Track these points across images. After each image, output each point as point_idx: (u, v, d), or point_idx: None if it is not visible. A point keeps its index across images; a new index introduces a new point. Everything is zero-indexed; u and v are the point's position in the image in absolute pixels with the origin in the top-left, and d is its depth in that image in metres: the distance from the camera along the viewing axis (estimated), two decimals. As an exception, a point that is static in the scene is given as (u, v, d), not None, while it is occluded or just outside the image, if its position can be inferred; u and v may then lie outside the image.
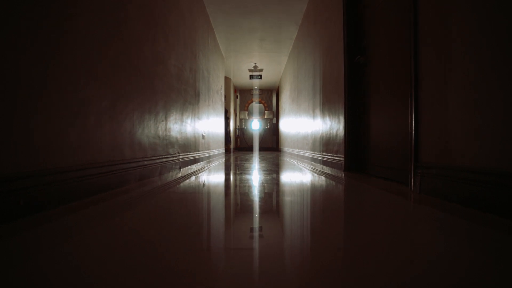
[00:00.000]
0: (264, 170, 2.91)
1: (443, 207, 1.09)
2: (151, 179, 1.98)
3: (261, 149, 10.25)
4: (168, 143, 2.50)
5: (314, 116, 3.82)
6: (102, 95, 1.44)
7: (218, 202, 1.33)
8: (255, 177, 2.34)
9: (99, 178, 1.38)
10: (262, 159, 4.77)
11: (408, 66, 1.48)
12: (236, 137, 10.26)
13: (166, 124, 2.43)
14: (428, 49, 1.32)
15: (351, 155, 2.46)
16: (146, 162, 1.95)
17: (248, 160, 4.64)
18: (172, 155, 2.58)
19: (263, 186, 1.84)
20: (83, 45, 1.28)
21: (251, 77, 8.60)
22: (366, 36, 2.27)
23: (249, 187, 1.79)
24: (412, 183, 1.42)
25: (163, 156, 2.36)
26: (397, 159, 1.79)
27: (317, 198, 1.40)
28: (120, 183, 1.59)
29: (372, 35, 2.18)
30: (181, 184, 1.81)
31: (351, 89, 2.46)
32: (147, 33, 2.02)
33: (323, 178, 2.17)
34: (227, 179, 2.17)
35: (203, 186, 1.77)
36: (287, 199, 1.39)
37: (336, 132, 2.79)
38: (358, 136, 2.43)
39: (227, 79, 8.58)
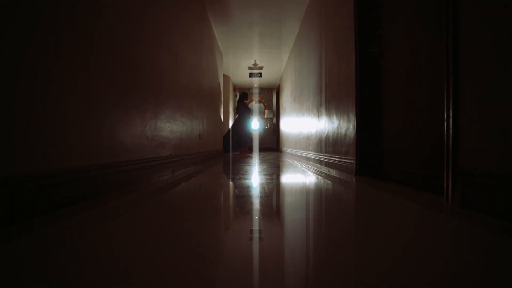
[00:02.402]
0: (266, 174, 2.64)
1: (506, 231, 0.83)
2: (137, 185, 1.72)
3: (261, 149, 9.98)
4: (159, 144, 2.24)
5: (318, 115, 3.56)
6: (68, 85, 1.18)
7: (215, 215, 1.07)
8: (258, 182, 2.08)
9: (59, 189, 1.11)
10: (262, 161, 4.51)
11: (442, 42, 1.22)
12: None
13: (156, 122, 2.16)
14: (474, 10, 1.06)
15: (364, 157, 2.20)
16: (130, 167, 1.69)
17: (248, 161, 4.38)
18: (163, 158, 2.32)
19: (266, 194, 1.58)
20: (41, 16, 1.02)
21: (251, 75, 8.34)
22: (382, 23, 2.01)
23: (250, 196, 1.53)
24: (450, 194, 1.16)
25: (153, 159, 2.09)
26: (424, 162, 1.53)
27: (329, 211, 1.14)
28: (95, 193, 1.33)
29: (389, 21, 1.92)
30: (171, 192, 1.54)
31: (364, 83, 2.20)
32: (130, 18, 1.76)
33: (333, 184, 1.91)
34: (226, 185, 1.91)
35: (197, 194, 1.51)
36: (295, 215, 1.13)
37: (345, 131, 2.53)
38: (372, 135, 2.17)
39: (226, 77, 8.32)
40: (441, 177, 1.34)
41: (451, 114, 1.15)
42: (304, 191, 1.66)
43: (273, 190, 1.75)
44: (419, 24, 1.58)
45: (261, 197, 1.48)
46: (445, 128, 1.19)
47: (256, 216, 1.06)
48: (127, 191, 1.52)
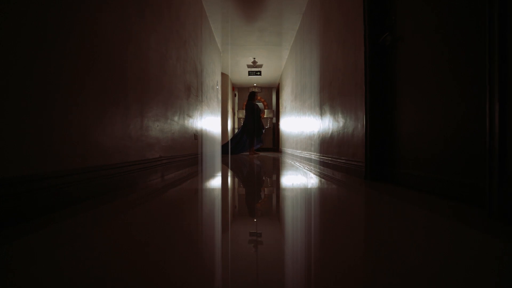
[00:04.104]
0: (268, 177, 2.42)
1: None
2: (115, 193, 1.48)
3: (261, 149, 9.74)
4: (145, 145, 2.00)
5: (321, 113, 3.33)
6: (23, 72, 0.94)
7: (211, 234, 0.84)
8: (259, 189, 1.85)
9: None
10: (263, 162, 4.28)
11: (485, 18, 0.99)
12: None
13: (142, 121, 1.93)
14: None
15: (375, 160, 1.96)
16: (106, 172, 1.45)
17: (248, 163, 4.15)
18: (151, 160, 2.08)
19: (270, 203, 1.35)
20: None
21: (250, 73, 8.12)
22: (397, 6, 1.78)
23: (251, 208, 1.30)
24: (494, 208, 0.93)
25: (138, 162, 1.86)
26: (452, 167, 1.29)
27: (339, 227, 0.91)
28: (56, 206, 1.09)
29: (406, 3, 1.69)
30: (154, 202, 1.31)
31: (374, 77, 1.97)
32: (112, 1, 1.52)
33: (342, 191, 1.67)
34: (223, 193, 1.68)
35: (187, 205, 1.27)
36: (301, 237, 0.89)
37: (353, 131, 2.29)
38: (384, 135, 1.94)
39: (224, 76, 8.09)
40: (476, 185, 1.10)
41: (497, 107, 0.91)
42: (310, 199, 1.42)
43: (276, 199, 1.51)
44: (444, 4, 1.34)
45: (267, 208, 1.25)
46: (488, 125, 0.95)
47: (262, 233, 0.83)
48: (98, 202, 1.29)
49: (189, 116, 3.31)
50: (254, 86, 10.17)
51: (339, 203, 1.32)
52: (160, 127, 2.30)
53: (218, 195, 1.57)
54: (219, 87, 6.29)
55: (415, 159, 1.59)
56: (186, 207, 1.24)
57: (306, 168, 3.17)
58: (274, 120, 10.29)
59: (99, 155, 1.40)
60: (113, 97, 1.54)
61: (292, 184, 1.95)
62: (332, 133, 2.89)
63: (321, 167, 3.19)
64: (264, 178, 2.42)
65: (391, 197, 1.38)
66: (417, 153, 1.57)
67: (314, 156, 3.68)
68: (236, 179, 2.34)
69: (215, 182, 2.08)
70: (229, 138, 8.27)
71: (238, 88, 10.52)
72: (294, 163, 4.00)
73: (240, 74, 8.70)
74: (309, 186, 1.84)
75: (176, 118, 2.75)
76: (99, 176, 1.38)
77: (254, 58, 7.12)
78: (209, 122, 4.87)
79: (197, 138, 3.70)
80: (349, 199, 1.42)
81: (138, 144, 1.88)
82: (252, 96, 6.69)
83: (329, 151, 2.99)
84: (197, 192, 1.64)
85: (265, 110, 10.42)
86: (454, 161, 1.27)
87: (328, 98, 3.04)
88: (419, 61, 1.55)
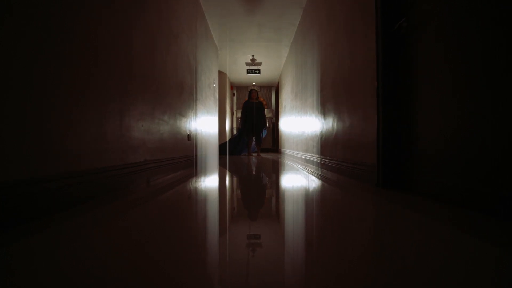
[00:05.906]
0: (269, 180, 2.18)
1: None
2: (82, 206, 1.24)
3: (260, 150, 9.48)
4: (128, 147, 1.76)
5: (325, 112, 3.08)
6: None
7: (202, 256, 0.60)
8: (260, 199, 1.61)
9: None
10: (262, 164, 4.04)
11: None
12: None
13: (122, 120, 1.69)
14: None
15: (388, 164, 1.72)
16: (73, 180, 1.21)
17: (247, 165, 3.91)
18: (134, 164, 1.84)
19: (271, 219, 1.11)
20: None
21: (249, 71, 7.88)
22: (414, -11, 1.54)
23: (249, 224, 1.06)
24: None
25: (117, 167, 1.61)
26: (484, 175, 1.06)
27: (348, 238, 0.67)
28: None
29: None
30: (126, 217, 1.07)
31: (388, 70, 1.73)
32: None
33: (350, 201, 1.43)
34: (213, 204, 1.44)
35: (173, 222, 1.03)
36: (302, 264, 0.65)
37: (361, 132, 2.06)
38: (399, 136, 1.70)
39: (222, 74, 7.84)
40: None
41: None
42: (317, 214, 1.19)
43: (276, 205, 1.28)
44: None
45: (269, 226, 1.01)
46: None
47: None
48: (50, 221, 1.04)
49: (182, 115, 3.06)
50: (253, 85, 9.93)
51: (356, 221, 1.08)
52: (146, 127, 2.06)
53: (210, 206, 1.33)
54: (216, 85, 6.04)
55: (437, 164, 1.35)
56: (170, 221, 1.00)
57: (308, 171, 2.93)
58: (273, 120, 10.05)
59: (62, 160, 1.16)
60: (86, 92, 1.30)
61: (294, 188, 1.70)
62: (336, 133, 2.65)
63: (324, 170, 2.95)
64: (263, 183, 2.19)
65: (414, 213, 1.14)
66: (439, 157, 1.33)
67: (316, 158, 3.44)
68: (232, 186, 2.10)
69: (207, 189, 1.84)
70: (227, 138, 8.04)
71: (237, 87, 10.27)
72: (296, 165, 3.76)
73: (239, 73, 8.46)
74: (315, 196, 1.60)
75: (166, 117, 2.50)
76: (64, 186, 1.14)
77: (253, 56, 6.88)
78: (205, 122, 4.63)
79: (191, 139, 3.46)
80: (360, 213, 1.18)
81: (118, 146, 1.64)
82: (248, 94, 6.53)
83: (333, 154, 2.75)
84: (185, 202, 1.40)
85: (264, 110, 10.17)
86: (487, 166, 1.03)
87: (332, 96, 2.80)
88: (440, 51, 1.31)
